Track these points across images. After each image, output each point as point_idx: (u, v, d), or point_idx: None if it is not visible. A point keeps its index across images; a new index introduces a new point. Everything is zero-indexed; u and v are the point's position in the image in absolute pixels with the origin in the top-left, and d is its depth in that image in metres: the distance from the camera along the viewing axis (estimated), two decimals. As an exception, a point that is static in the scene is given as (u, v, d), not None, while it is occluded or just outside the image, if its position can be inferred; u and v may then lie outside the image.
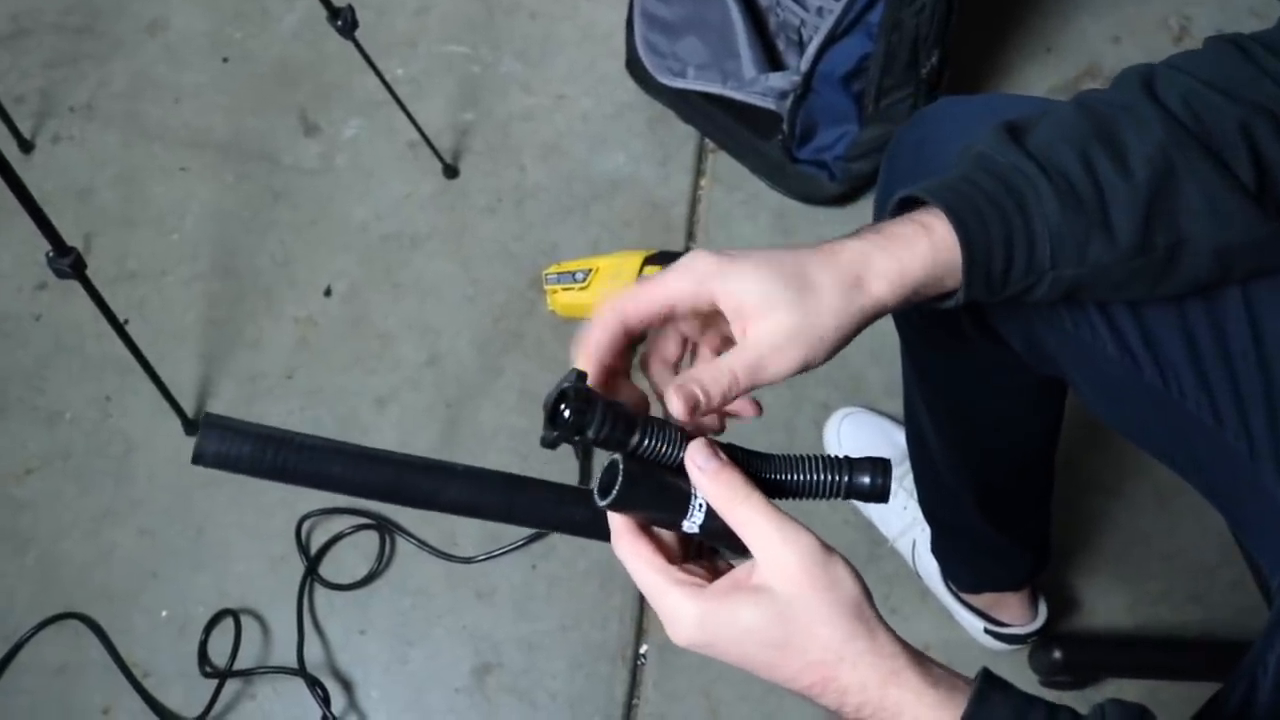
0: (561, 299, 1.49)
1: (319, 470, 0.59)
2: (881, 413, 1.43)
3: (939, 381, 1.02)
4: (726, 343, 0.66)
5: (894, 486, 1.32)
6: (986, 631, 1.30)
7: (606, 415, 0.59)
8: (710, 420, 0.65)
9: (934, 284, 0.64)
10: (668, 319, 0.64)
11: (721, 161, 1.63)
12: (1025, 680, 1.32)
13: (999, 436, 1.05)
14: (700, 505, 0.61)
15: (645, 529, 0.62)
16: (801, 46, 1.45)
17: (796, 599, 0.57)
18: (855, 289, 0.62)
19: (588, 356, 0.63)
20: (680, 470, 0.62)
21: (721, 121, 1.57)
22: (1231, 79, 0.67)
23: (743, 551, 0.60)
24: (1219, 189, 0.66)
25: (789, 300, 0.61)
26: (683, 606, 0.58)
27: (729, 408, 0.64)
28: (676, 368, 0.68)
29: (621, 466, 0.59)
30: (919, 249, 0.64)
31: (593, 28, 1.73)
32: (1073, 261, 0.66)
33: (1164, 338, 0.75)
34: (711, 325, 0.67)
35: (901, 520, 1.34)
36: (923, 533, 1.30)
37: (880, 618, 0.58)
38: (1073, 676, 1.30)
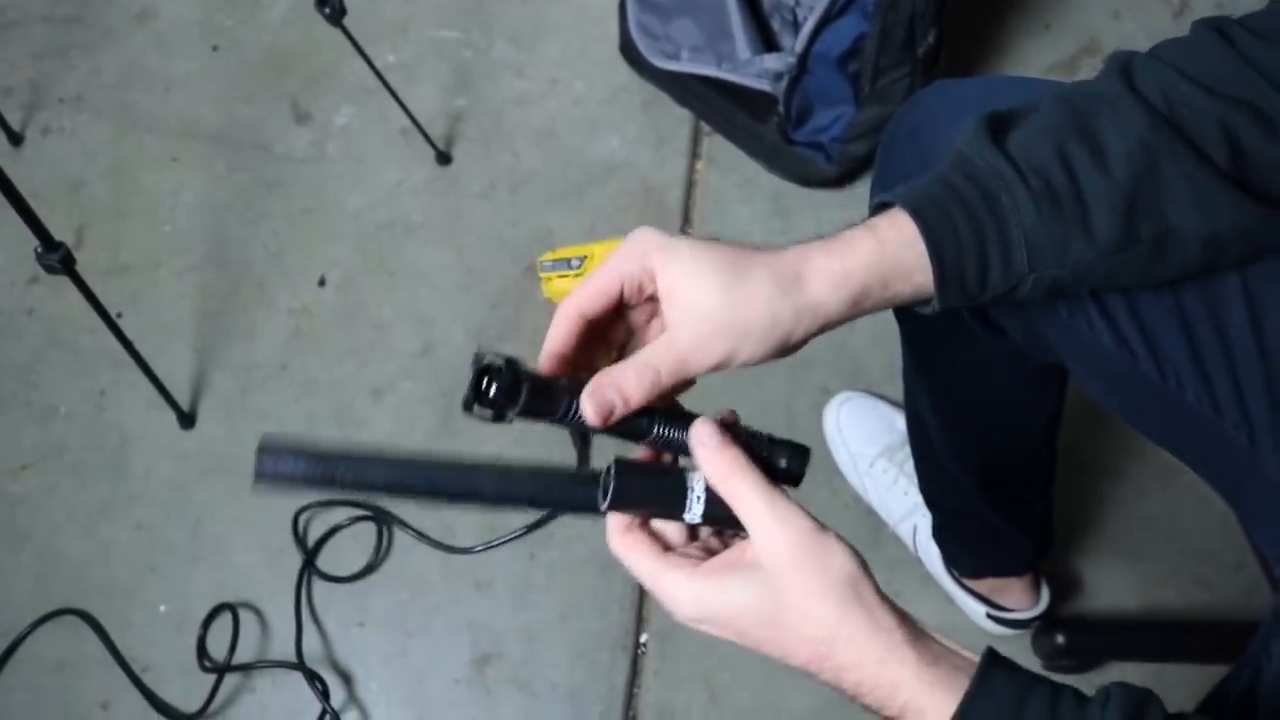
0: (557, 286, 1.48)
1: (365, 478, 0.61)
2: (881, 397, 1.42)
3: (939, 367, 1.01)
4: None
5: (895, 471, 1.34)
6: (989, 616, 1.29)
7: (532, 390, 0.59)
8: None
9: (886, 285, 0.63)
10: (621, 302, 0.63)
11: (717, 144, 1.61)
12: (1029, 665, 1.28)
13: (999, 422, 1.05)
14: (699, 497, 0.61)
15: (642, 524, 0.62)
16: (796, 27, 1.43)
17: (787, 575, 0.57)
18: (793, 285, 0.61)
19: (549, 354, 0.63)
20: (675, 458, 0.63)
21: (716, 104, 1.55)
22: (1212, 72, 0.66)
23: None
24: (1202, 178, 0.65)
25: (718, 286, 0.60)
26: (679, 584, 0.59)
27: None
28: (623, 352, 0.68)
29: (614, 470, 0.60)
30: (863, 250, 0.62)
31: (585, 11, 1.71)
32: (1052, 263, 0.65)
33: (1161, 329, 0.74)
34: (657, 315, 0.66)
35: (902, 506, 1.33)
36: (924, 518, 1.30)
37: (880, 595, 0.58)
38: (1076, 660, 1.29)
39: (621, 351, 0.67)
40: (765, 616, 0.57)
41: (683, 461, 0.65)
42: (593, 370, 0.62)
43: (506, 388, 0.58)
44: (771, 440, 0.65)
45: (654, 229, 0.63)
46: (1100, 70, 0.70)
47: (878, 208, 0.66)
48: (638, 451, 0.65)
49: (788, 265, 0.62)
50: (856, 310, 0.63)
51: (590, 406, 0.60)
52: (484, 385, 0.59)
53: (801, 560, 0.57)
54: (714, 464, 0.60)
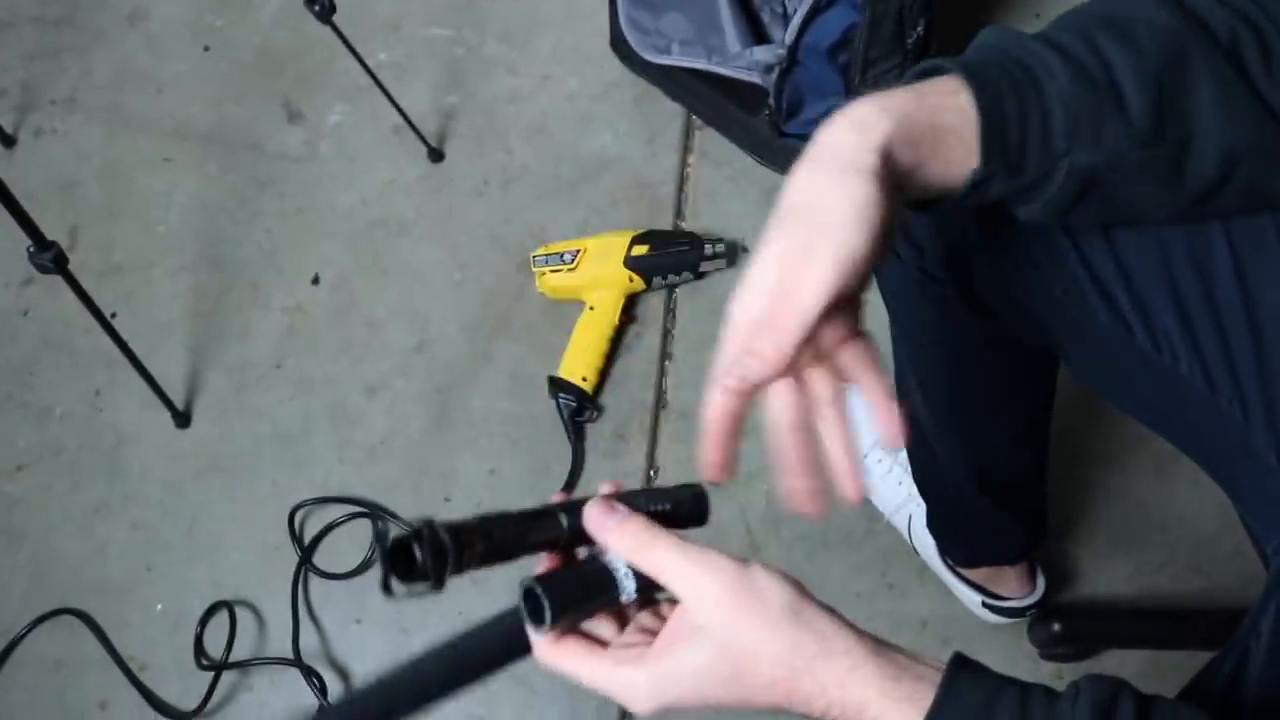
0: (550, 281, 1.48)
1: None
2: (875, 388, 1.42)
3: (929, 357, 1.01)
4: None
5: (889, 462, 1.34)
6: (984, 605, 1.29)
7: (456, 545, 0.56)
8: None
9: (932, 126, 0.60)
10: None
11: (709, 138, 1.61)
12: (1025, 653, 1.31)
13: (991, 410, 1.05)
14: (626, 574, 0.60)
15: (567, 632, 0.60)
16: (786, 19, 1.43)
17: (729, 627, 0.56)
18: (833, 149, 0.59)
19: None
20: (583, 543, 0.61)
21: (708, 97, 1.55)
22: None
23: None
24: (1228, 81, 0.63)
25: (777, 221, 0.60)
26: (631, 679, 0.57)
27: None
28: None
29: (539, 589, 0.57)
30: (897, 91, 0.61)
31: (576, 6, 1.71)
32: (1088, 143, 0.62)
33: (1154, 302, 0.74)
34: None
35: (897, 496, 1.34)
36: (918, 508, 1.30)
37: (826, 614, 0.57)
38: (1072, 648, 1.29)
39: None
40: (724, 674, 0.56)
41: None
42: None
43: (434, 552, 0.55)
44: (663, 492, 0.64)
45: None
46: None
47: (916, 76, 0.64)
48: (540, 566, 0.62)
49: (822, 138, 0.60)
50: (912, 149, 0.60)
51: (729, 380, 0.61)
52: (404, 559, 0.55)
53: (738, 605, 0.56)
54: (622, 540, 0.59)
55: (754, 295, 0.61)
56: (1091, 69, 0.62)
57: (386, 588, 0.55)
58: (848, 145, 0.59)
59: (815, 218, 0.59)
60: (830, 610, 0.58)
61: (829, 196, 0.59)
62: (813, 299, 0.59)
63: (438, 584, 0.55)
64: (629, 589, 0.59)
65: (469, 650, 0.61)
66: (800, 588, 0.58)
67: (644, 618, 0.62)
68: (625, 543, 0.59)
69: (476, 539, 0.57)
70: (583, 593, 0.59)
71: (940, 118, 0.61)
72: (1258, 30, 0.64)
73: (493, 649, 0.61)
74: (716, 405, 0.63)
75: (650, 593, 0.61)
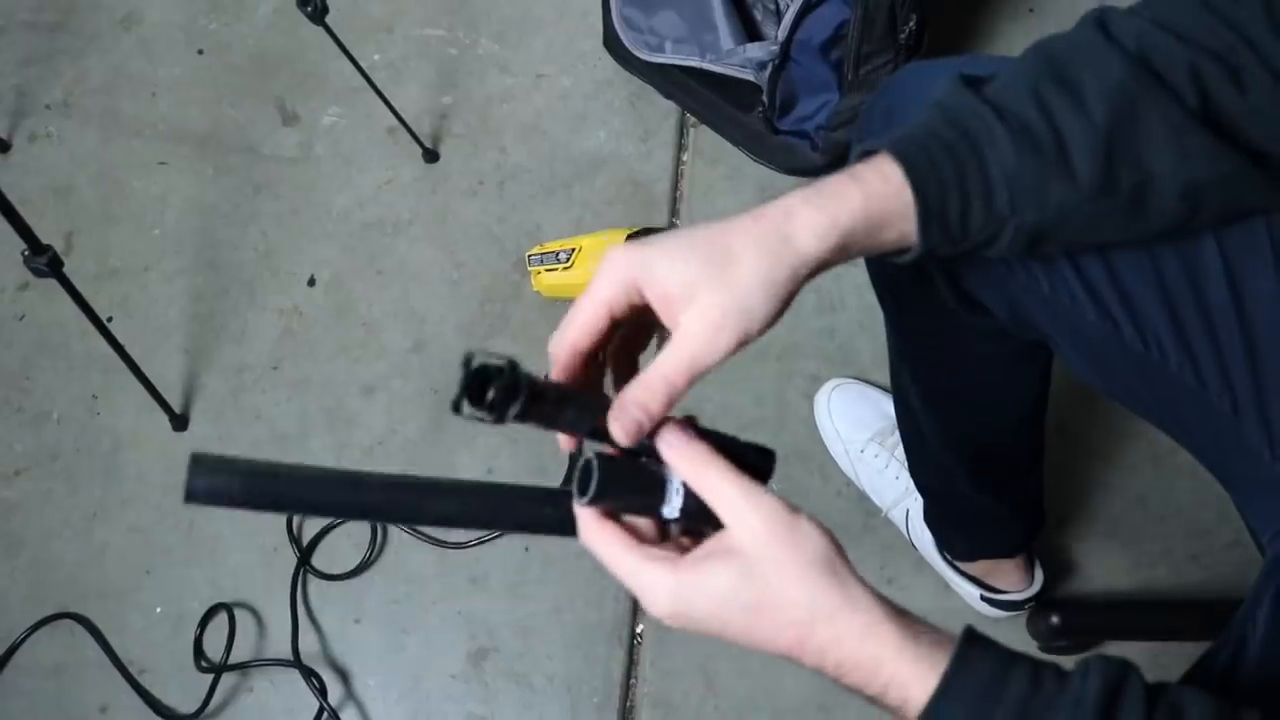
0: (546, 280, 1.48)
1: (306, 497, 0.59)
2: (872, 383, 1.42)
3: (923, 351, 1.01)
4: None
5: (886, 456, 1.34)
6: (983, 599, 1.29)
7: (530, 393, 0.57)
8: None
9: (871, 233, 0.63)
10: (615, 324, 0.63)
11: (703, 135, 1.61)
12: (1024, 646, 1.29)
13: (986, 403, 1.05)
14: (678, 489, 0.61)
15: (613, 515, 0.62)
16: (779, 16, 1.43)
17: (765, 559, 0.57)
18: (782, 247, 0.61)
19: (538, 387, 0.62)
20: (650, 455, 0.62)
21: (701, 95, 1.56)
22: (1185, 23, 0.66)
23: (720, 526, 0.60)
24: (1180, 122, 0.64)
25: (711, 279, 0.60)
26: (657, 579, 0.58)
27: None
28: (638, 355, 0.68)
29: (595, 463, 0.59)
30: (849, 197, 0.62)
31: (569, 6, 1.71)
32: (1033, 206, 0.64)
33: (1142, 298, 0.74)
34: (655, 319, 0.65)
35: (894, 490, 1.34)
36: (916, 503, 1.30)
37: (855, 574, 0.58)
38: (1072, 641, 1.29)
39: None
40: (745, 602, 0.57)
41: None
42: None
43: (506, 388, 0.56)
44: (737, 441, 0.65)
45: (624, 249, 0.62)
46: (1074, 26, 0.70)
47: (860, 156, 0.66)
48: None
49: (772, 227, 0.61)
50: (842, 256, 0.63)
51: (618, 429, 0.60)
52: (480, 387, 0.57)
53: (777, 543, 0.57)
54: (683, 458, 0.60)
55: (660, 296, 0.61)
56: (1038, 133, 0.64)
57: (456, 406, 0.56)
58: (783, 278, 0.61)
59: (746, 316, 0.61)
60: (860, 577, 0.59)
61: (759, 309, 0.61)
62: (706, 367, 0.61)
63: (499, 419, 0.57)
64: (675, 504, 0.61)
65: (517, 497, 0.62)
66: (839, 546, 0.59)
67: (683, 539, 0.64)
68: (685, 460, 0.60)
69: (550, 397, 0.59)
70: (632, 484, 0.61)
71: (881, 219, 0.63)
72: (1223, 60, 0.65)
73: (541, 508, 0.62)
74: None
75: (693, 523, 0.62)
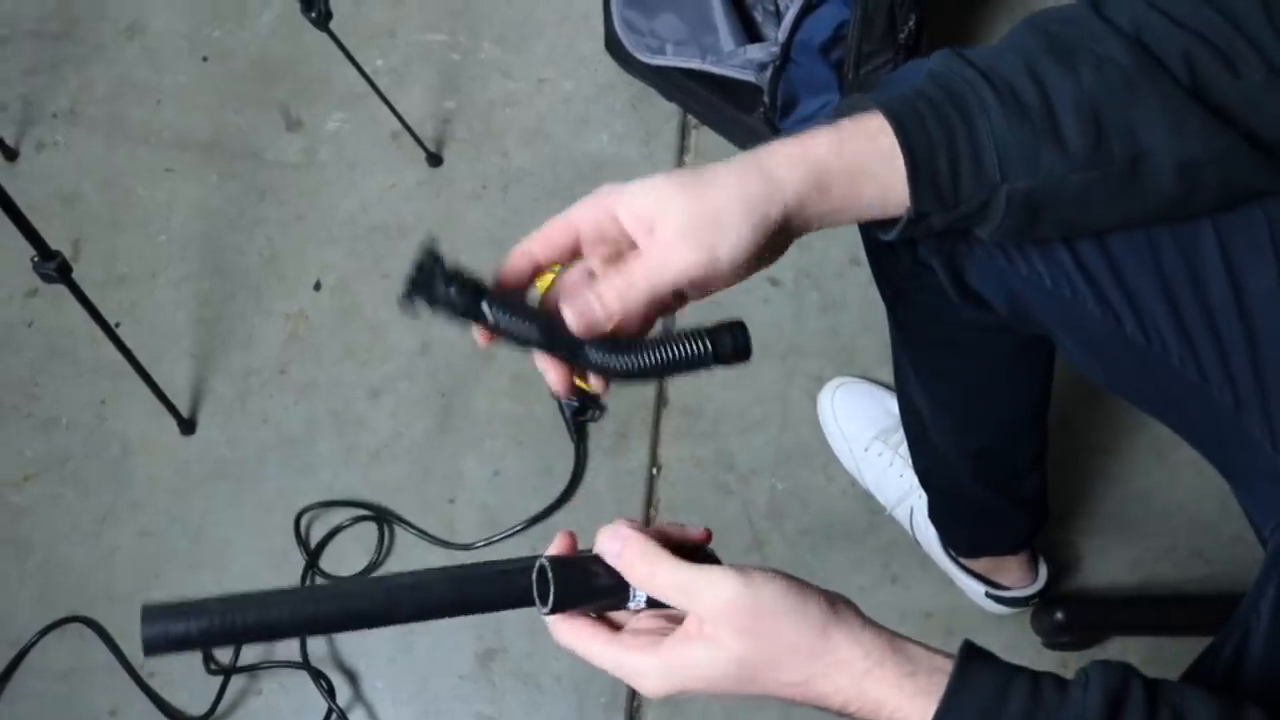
0: (549, 282, 1.49)
1: (278, 620, 0.59)
2: (876, 381, 1.43)
3: (925, 347, 1.02)
4: None
5: (890, 454, 1.34)
6: (988, 595, 1.30)
7: (452, 278, 0.61)
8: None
9: (850, 177, 0.63)
10: (576, 248, 0.64)
11: (705, 137, 1.62)
12: (1029, 643, 1.32)
13: (989, 398, 1.05)
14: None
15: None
16: (779, 17, 1.44)
17: (747, 646, 0.57)
18: (753, 168, 0.62)
19: (498, 289, 0.64)
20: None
21: (702, 97, 1.56)
22: (1178, 8, 0.66)
23: None
24: (1175, 99, 0.65)
25: (684, 192, 0.61)
26: (643, 665, 0.59)
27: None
28: None
29: (551, 577, 0.58)
30: (821, 134, 0.63)
31: (570, 9, 1.72)
32: (1023, 171, 0.64)
33: (1143, 292, 0.74)
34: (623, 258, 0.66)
35: (899, 488, 1.34)
36: (920, 500, 1.30)
37: (839, 618, 0.58)
38: (1076, 637, 1.30)
39: None
40: (737, 676, 0.58)
41: None
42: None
43: (427, 272, 0.60)
44: (707, 331, 0.65)
45: (610, 184, 0.63)
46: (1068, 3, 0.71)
47: (843, 113, 0.67)
48: (554, 545, 0.63)
49: (745, 157, 0.63)
50: (821, 196, 0.63)
51: (570, 312, 0.61)
52: (422, 280, 0.60)
53: (750, 628, 0.57)
54: (625, 564, 0.60)
55: (633, 214, 0.62)
56: (1027, 99, 0.64)
57: (403, 296, 0.60)
58: (757, 196, 0.61)
59: (716, 229, 0.61)
60: (838, 603, 0.58)
61: (730, 226, 0.61)
62: (671, 278, 0.61)
63: (430, 297, 0.61)
64: (640, 597, 0.61)
65: (482, 583, 0.62)
66: (814, 594, 0.58)
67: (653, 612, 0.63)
68: (627, 566, 0.60)
69: (472, 293, 0.62)
70: (591, 591, 0.61)
71: (858, 162, 0.63)
72: (1216, 47, 0.65)
73: (504, 594, 0.62)
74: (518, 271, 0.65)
75: (660, 605, 0.62)
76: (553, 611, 0.59)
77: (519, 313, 0.62)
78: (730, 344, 0.64)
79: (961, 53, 0.68)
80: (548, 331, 0.62)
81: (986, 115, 0.64)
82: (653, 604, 0.61)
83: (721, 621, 0.57)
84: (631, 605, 0.61)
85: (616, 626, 0.62)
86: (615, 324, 0.62)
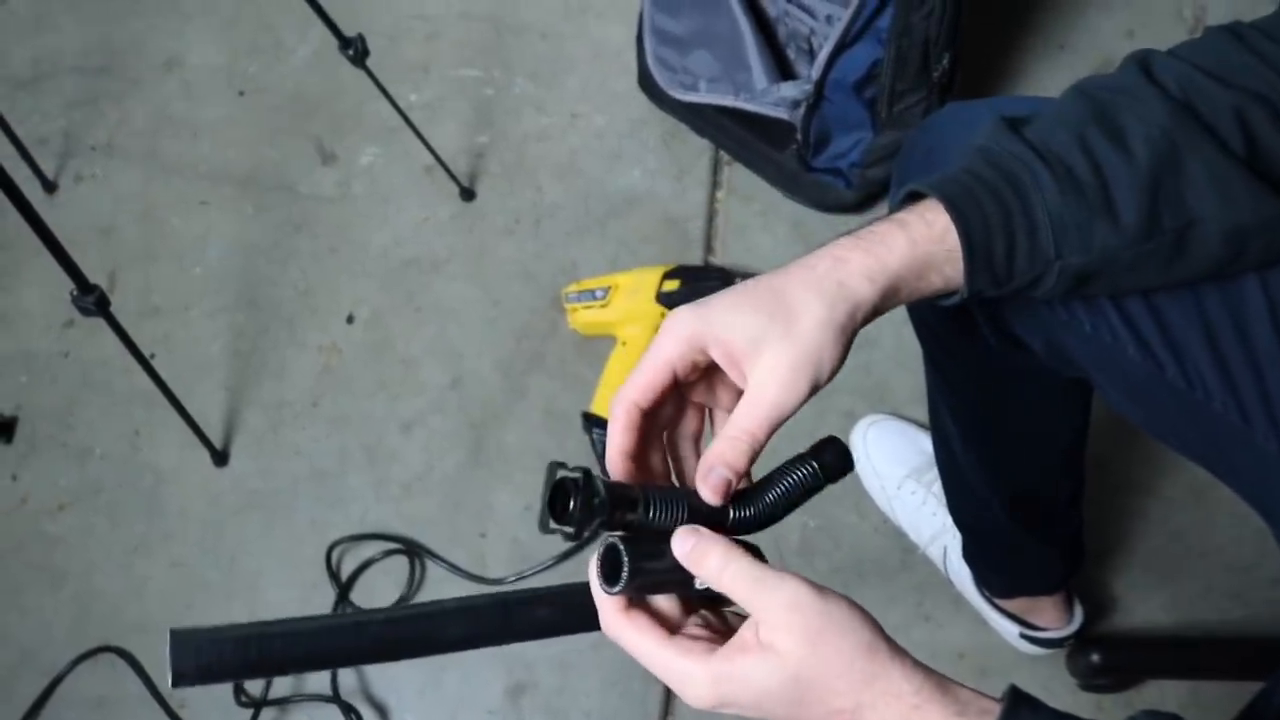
0: (582, 317, 1.49)
1: (311, 650, 0.57)
2: (908, 419, 1.42)
3: (962, 388, 1.02)
4: (738, 394, 0.64)
5: (923, 493, 1.34)
6: (1022, 636, 1.28)
7: (612, 502, 0.57)
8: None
9: (918, 277, 0.64)
10: (674, 385, 0.64)
11: (737, 173, 1.63)
12: (1064, 684, 1.30)
13: (1026, 440, 1.05)
14: None
15: (636, 603, 0.61)
16: (812, 55, 1.44)
17: (806, 657, 0.56)
18: (838, 297, 0.62)
19: (616, 454, 0.63)
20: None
21: (735, 133, 1.57)
22: (1227, 65, 0.67)
23: None
24: (1223, 167, 0.65)
25: (776, 333, 0.61)
26: (693, 671, 0.58)
27: None
28: (699, 442, 0.68)
29: (623, 550, 0.58)
30: (896, 246, 0.63)
31: (603, 45, 1.73)
32: (1078, 249, 0.65)
33: (1185, 337, 0.74)
34: (719, 383, 0.66)
35: (931, 527, 1.33)
36: (953, 539, 1.29)
37: (896, 650, 0.57)
38: (1112, 679, 1.28)
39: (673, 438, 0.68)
40: (788, 698, 0.57)
41: None
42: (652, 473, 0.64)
43: (586, 502, 0.56)
44: (810, 454, 0.64)
45: (685, 309, 0.63)
46: (1116, 68, 0.71)
47: (905, 199, 0.67)
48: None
49: (828, 277, 0.62)
50: (892, 301, 0.64)
51: (707, 488, 0.61)
52: (562, 501, 0.57)
53: (816, 637, 0.56)
54: (698, 566, 0.60)
55: (726, 354, 0.62)
56: (1082, 176, 0.65)
57: (544, 524, 0.57)
58: (844, 321, 0.62)
59: (815, 365, 0.62)
60: (901, 650, 0.58)
61: (827, 359, 0.62)
62: (781, 419, 0.62)
63: (577, 535, 0.57)
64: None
65: (534, 607, 0.62)
66: (876, 625, 0.58)
67: (708, 614, 0.63)
68: (700, 568, 0.60)
69: (629, 495, 0.59)
70: (661, 567, 0.60)
71: (927, 263, 0.64)
72: (1267, 101, 0.66)
73: (555, 609, 0.61)
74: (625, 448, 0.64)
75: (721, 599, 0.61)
76: (622, 591, 0.58)
77: (666, 506, 0.61)
78: (833, 460, 0.65)
79: (1013, 124, 0.68)
80: (692, 511, 0.62)
81: (1042, 194, 0.65)
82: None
83: (784, 627, 0.56)
84: (699, 583, 0.60)
85: (672, 630, 0.61)
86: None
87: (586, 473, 0.57)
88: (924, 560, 1.36)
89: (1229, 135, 0.66)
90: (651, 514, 0.60)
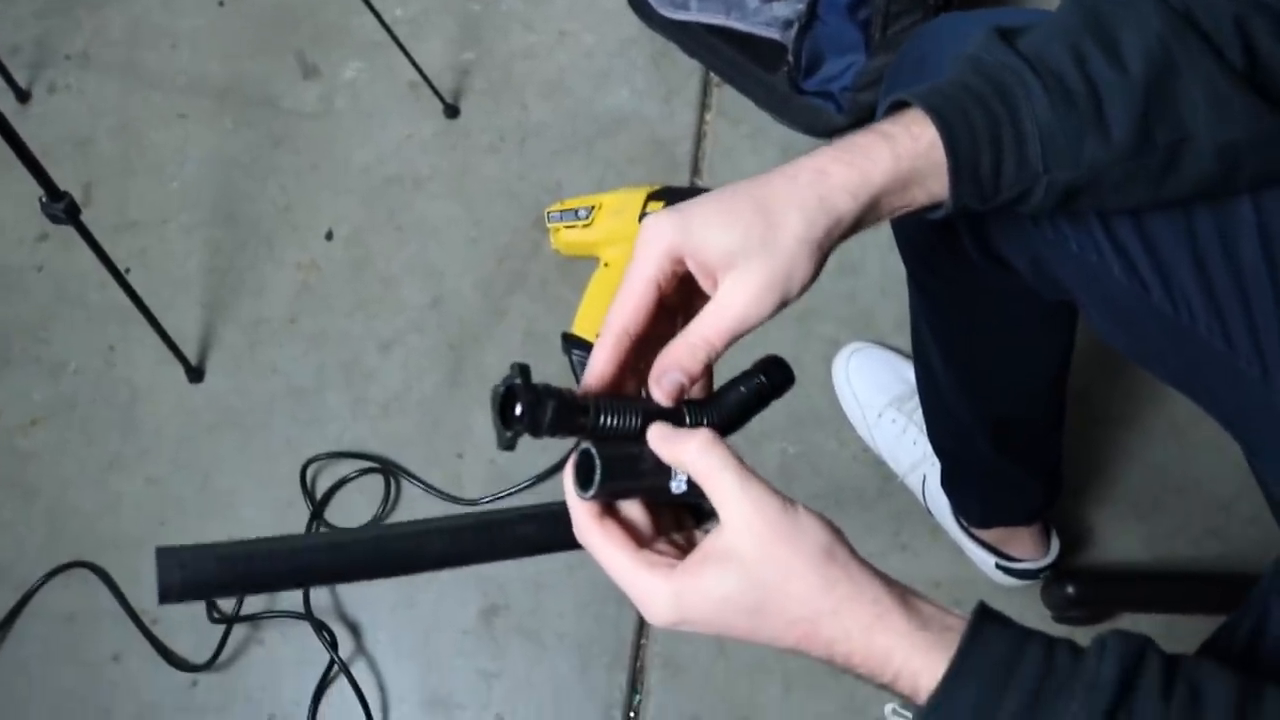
0: (564, 237, 1.47)
1: (296, 567, 0.58)
2: (890, 347, 1.41)
3: (946, 311, 1.00)
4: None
5: (904, 421, 1.33)
6: (998, 567, 1.28)
7: (559, 404, 0.57)
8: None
9: (902, 191, 0.63)
10: (660, 301, 0.62)
11: (726, 95, 1.60)
12: (1038, 616, 1.30)
13: (1008, 364, 1.03)
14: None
15: (610, 513, 0.61)
16: (805, -27, 1.41)
17: (765, 559, 0.55)
18: (819, 211, 0.61)
19: (595, 377, 0.62)
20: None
21: (725, 54, 1.54)
22: None
23: None
24: (1219, 81, 0.63)
25: (753, 247, 0.60)
26: (655, 587, 0.57)
27: None
28: None
29: (596, 454, 0.58)
30: (880, 156, 0.62)
31: (594, -38, 1.69)
32: (1067, 162, 0.64)
33: (1172, 259, 0.72)
34: (695, 293, 0.65)
35: (911, 456, 1.33)
36: (933, 468, 1.29)
37: (859, 560, 0.57)
38: (1086, 612, 1.28)
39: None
40: (747, 605, 0.56)
41: None
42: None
43: (530, 399, 0.56)
44: (758, 369, 0.65)
45: (661, 216, 0.61)
46: None
47: (890, 108, 0.65)
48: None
49: (809, 190, 0.61)
50: (875, 217, 0.63)
51: (660, 391, 0.60)
52: (511, 408, 0.57)
53: (775, 540, 0.56)
54: (671, 449, 0.59)
55: (701, 264, 0.61)
56: (1074, 88, 0.63)
57: (501, 436, 0.57)
58: (823, 236, 0.61)
59: (789, 279, 0.61)
60: (865, 561, 0.57)
61: (799, 273, 0.61)
62: (745, 329, 0.61)
63: (534, 429, 0.57)
64: (681, 479, 0.60)
65: (516, 524, 0.62)
66: (839, 534, 0.57)
67: (676, 536, 0.63)
68: (673, 450, 0.60)
69: (578, 409, 0.59)
70: (635, 469, 0.60)
71: (911, 177, 0.63)
72: (1271, 11, 0.64)
73: (537, 527, 0.62)
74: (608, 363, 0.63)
75: (702, 499, 0.60)
76: (596, 495, 0.58)
77: (621, 412, 0.60)
78: (781, 376, 0.66)
79: (1006, 34, 0.66)
80: (647, 416, 0.61)
81: (1032, 106, 0.63)
82: (695, 489, 0.60)
83: (745, 528, 0.56)
84: (674, 487, 0.60)
85: (641, 545, 0.60)
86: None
87: (523, 368, 0.57)
88: (903, 489, 1.35)
89: (1228, 46, 0.64)
90: (604, 418, 0.59)
